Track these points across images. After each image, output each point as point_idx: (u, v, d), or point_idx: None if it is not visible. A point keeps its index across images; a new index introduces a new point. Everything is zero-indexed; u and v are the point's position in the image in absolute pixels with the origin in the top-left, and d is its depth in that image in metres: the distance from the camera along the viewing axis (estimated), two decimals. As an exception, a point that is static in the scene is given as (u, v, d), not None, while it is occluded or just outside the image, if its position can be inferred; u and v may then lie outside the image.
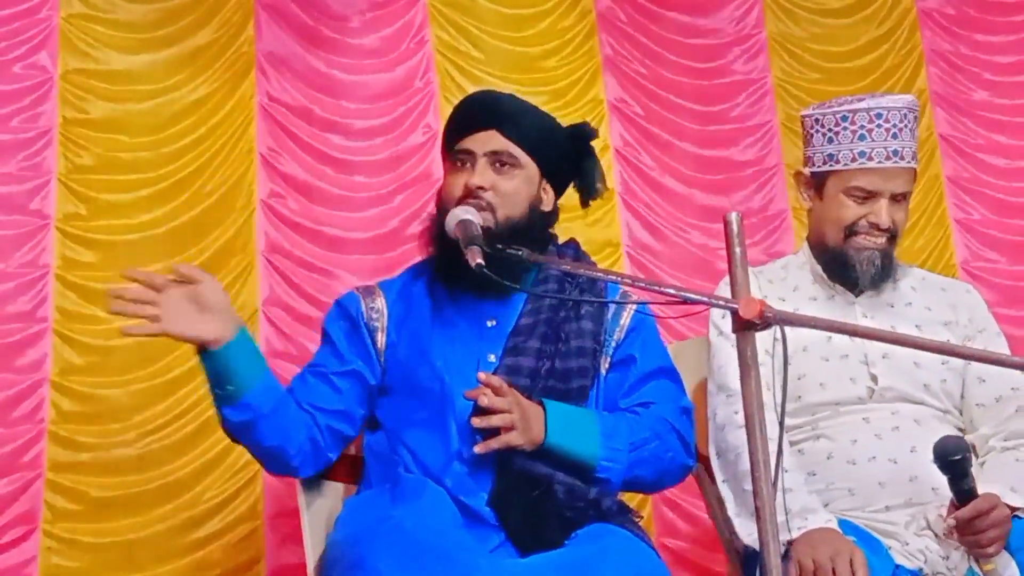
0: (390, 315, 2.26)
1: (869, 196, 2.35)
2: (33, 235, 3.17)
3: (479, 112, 2.30)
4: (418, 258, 2.34)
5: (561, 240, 2.36)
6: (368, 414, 2.25)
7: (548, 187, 2.31)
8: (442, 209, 2.25)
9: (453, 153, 2.27)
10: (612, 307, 2.29)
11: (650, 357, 2.30)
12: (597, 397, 2.24)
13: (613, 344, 2.27)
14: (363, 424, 2.26)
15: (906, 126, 2.36)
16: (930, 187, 3.82)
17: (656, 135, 3.69)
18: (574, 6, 3.75)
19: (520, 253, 2.06)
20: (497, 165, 2.23)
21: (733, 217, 1.66)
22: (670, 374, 2.32)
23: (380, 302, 2.28)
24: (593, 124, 3.61)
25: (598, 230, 3.56)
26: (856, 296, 2.41)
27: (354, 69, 3.55)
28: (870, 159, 2.34)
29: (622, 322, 2.29)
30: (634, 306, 2.32)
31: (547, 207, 2.30)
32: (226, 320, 2.01)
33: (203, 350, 2.01)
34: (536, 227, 2.25)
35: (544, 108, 3.53)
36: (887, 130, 2.35)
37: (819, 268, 2.44)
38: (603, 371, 2.25)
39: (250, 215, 3.33)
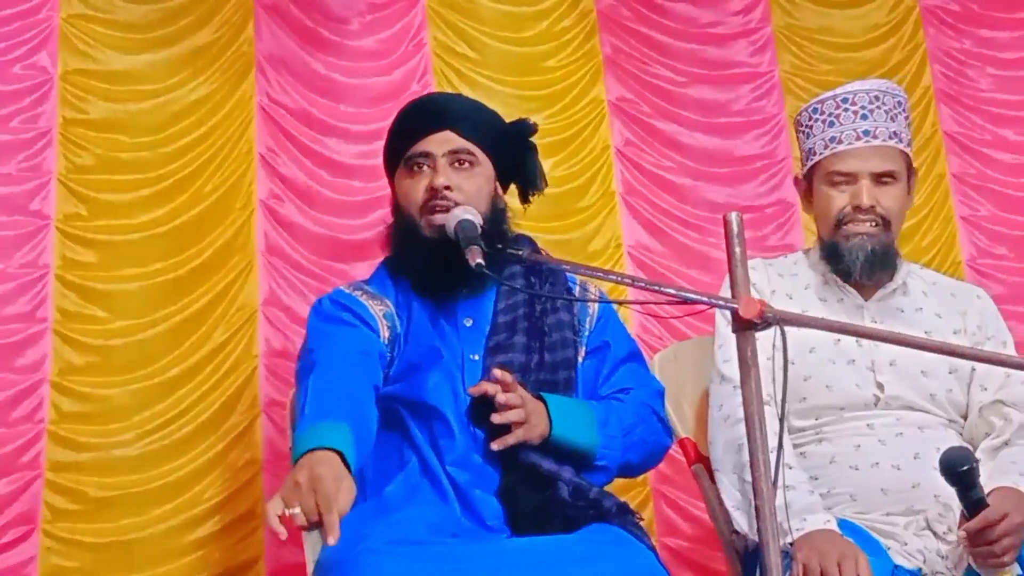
0: (387, 313, 2.26)
1: (848, 180, 2.35)
2: (33, 235, 3.17)
3: (433, 114, 2.28)
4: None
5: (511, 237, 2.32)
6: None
7: (498, 184, 2.31)
8: (404, 216, 2.24)
9: (407, 159, 2.26)
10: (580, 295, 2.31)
11: (621, 342, 2.33)
12: (577, 385, 2.24)
13: (586, 332, 2.29)
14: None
15: (879, 107, 2.35)
16: (936, 184, 3.80)
17: (660, 131, 3.68)
18: (574, 6, 3.74)
19: (520, 253, 2.07)
20: (456, 165, 2.22)
21: (733, 216, 1.66)
22: (639, 357, 2.36)
23: (377, 304, 2.27)
24: (594, 125, 3.65)
25: (600, 231, 3.55)
26: (865, 300, 2.39)
27: (353, 72, 3.54)
28: (840, 142, 2.35)
29: (591, 310, 2.30)
30: (598, 292, 2.35)
31: (501, 204, 2.30)
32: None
33: None
34: (498, 224, 2.24)
35: (545, 110, 3.57)
36: (855, 112, 2.35)
37: (828, 269, 2.43)
38: (579, 359, 2.26)
39: (250, 215, 3.33)
